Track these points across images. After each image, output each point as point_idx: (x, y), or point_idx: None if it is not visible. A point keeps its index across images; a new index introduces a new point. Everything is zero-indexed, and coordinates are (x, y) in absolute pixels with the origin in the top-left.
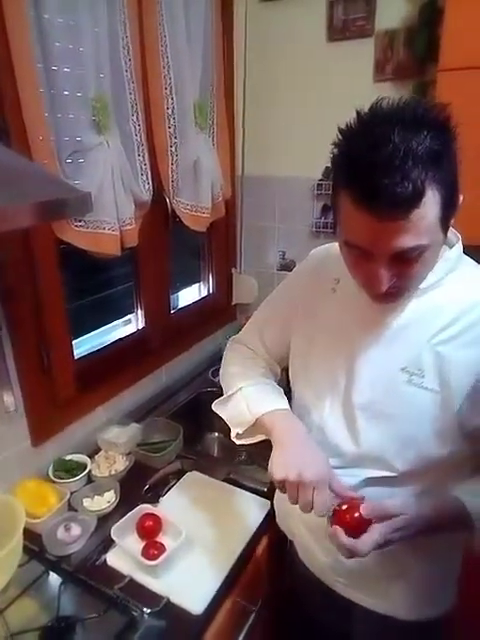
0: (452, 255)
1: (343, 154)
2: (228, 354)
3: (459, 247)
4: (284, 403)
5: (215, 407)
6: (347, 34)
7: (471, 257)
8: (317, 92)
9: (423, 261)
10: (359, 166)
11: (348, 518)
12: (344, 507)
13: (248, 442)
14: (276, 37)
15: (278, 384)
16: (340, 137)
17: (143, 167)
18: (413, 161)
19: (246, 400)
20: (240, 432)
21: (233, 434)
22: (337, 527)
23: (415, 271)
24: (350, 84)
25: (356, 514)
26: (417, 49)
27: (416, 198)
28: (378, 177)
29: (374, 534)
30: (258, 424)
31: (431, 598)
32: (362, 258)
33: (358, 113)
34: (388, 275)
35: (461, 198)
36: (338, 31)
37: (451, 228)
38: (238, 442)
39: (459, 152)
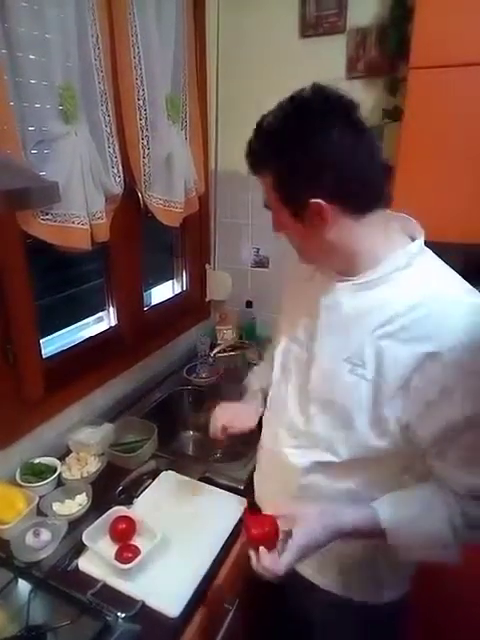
0: (408, 250)
1: None
2: None
3: (419, 243)
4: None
5: None
6: (319, 30)
7: (438, 252)
8: (290, 88)
9: (289, 235)
10: None
11: (262, 529)
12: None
13: None
14: (249, 32)
15: None
16: None
17: (114, 159)
18: (258, 135)
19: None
20: None
21: None
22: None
23: (291, 236)
24: (323, 80)
25: (270, 525)
26: (388, 47)
27: (255, 165)
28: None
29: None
30: None
31: (389, 581)
32: None
33: None
34: (275, 223)
35: (317, 202)
36: (311, 27)
37: (416, 223)
38: None
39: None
